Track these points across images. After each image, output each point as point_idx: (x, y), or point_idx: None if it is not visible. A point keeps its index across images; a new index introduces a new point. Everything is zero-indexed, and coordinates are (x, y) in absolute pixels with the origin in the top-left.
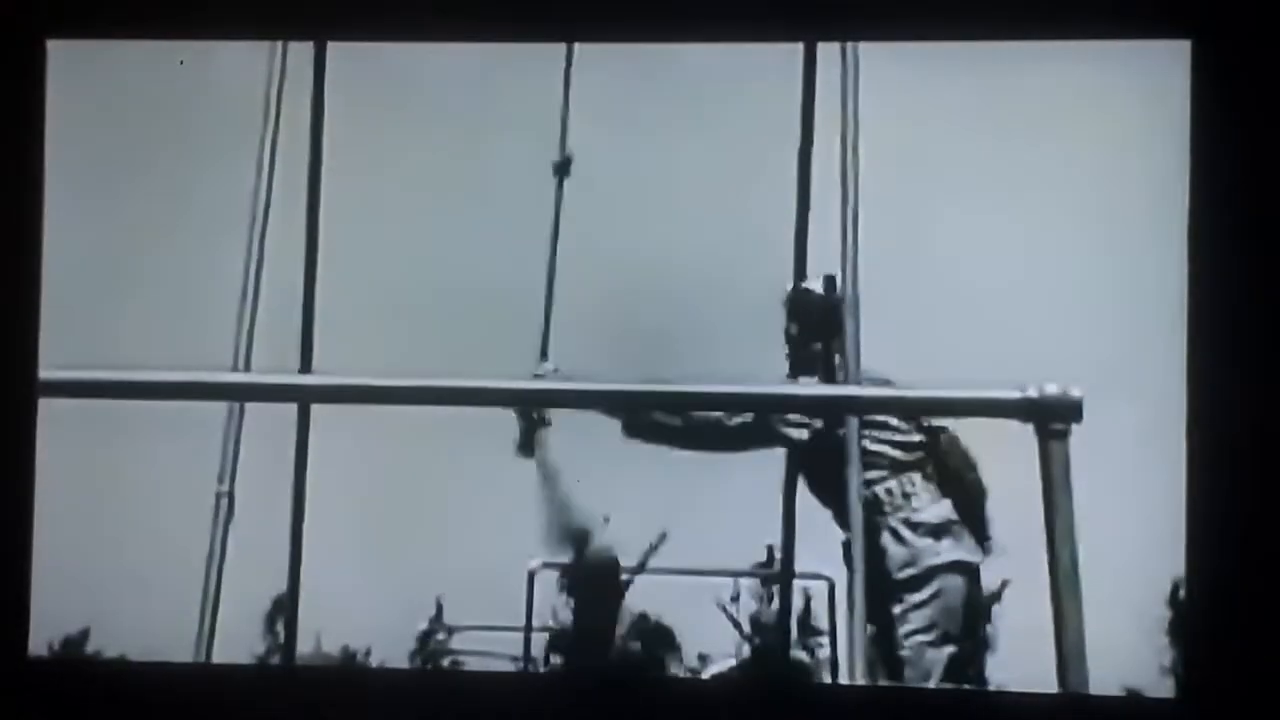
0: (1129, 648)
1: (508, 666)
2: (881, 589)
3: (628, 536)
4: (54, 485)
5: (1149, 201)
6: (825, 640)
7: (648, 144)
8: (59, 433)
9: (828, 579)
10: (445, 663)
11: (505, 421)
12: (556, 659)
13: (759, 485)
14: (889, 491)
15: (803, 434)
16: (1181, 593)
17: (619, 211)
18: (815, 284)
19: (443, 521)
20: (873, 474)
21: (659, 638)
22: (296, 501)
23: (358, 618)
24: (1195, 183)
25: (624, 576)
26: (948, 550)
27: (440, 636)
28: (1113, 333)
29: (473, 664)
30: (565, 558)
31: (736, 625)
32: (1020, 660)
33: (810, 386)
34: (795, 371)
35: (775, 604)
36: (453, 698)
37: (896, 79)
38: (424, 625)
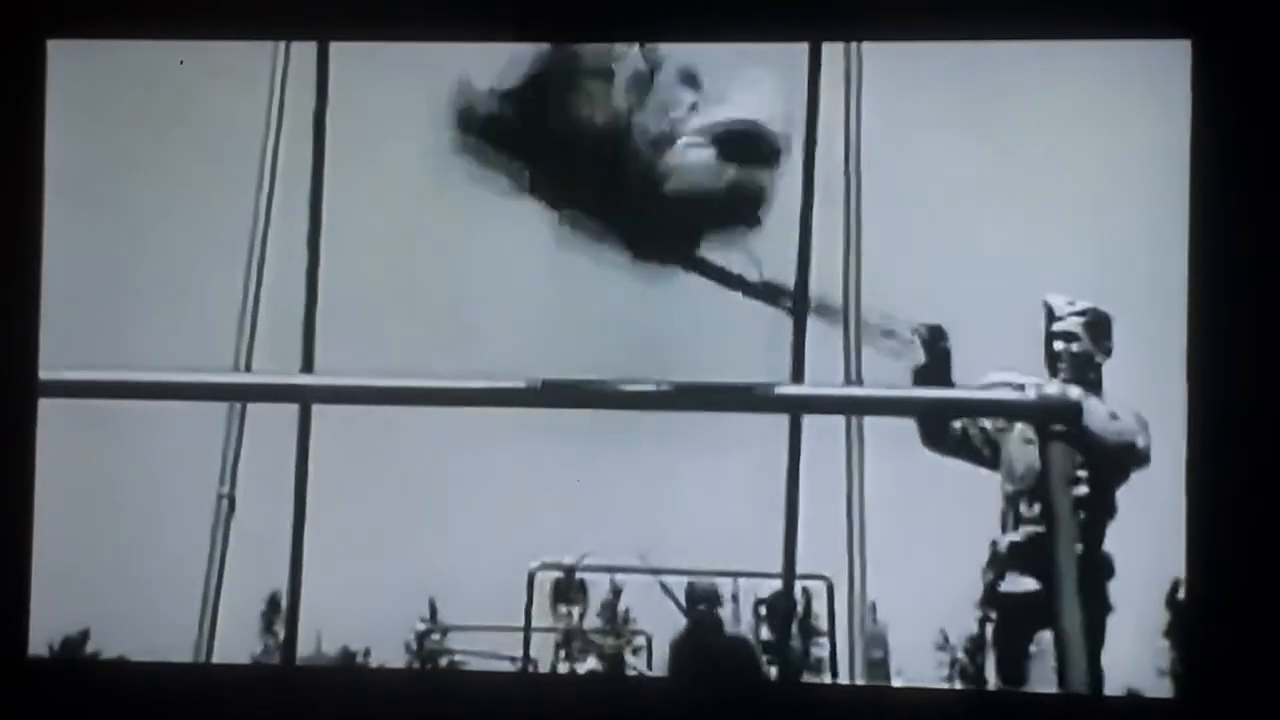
0: (1129, 648)
1: (506, 667)
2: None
3: (625, 539)
4: (54, 485)
5: (1149, 200)
6: (811, 639)
7: None
8: (59, 433)
9: (827, 579)
10: (443, 663)
11: (507, 421)
12: None
13: (758, 485)
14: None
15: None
16: (1181, 593)
17: None
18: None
19: (443, 522)
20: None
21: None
22: (297, 501)
23: (357, 618)
24: (1195, 182)
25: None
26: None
27: (436, 636)
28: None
29: (471, 664)
30: None
31: (674, 599)
32: None
33: (816, 387)
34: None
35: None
36: (453, 698)
37: (897, 79)
38: (421, 625)
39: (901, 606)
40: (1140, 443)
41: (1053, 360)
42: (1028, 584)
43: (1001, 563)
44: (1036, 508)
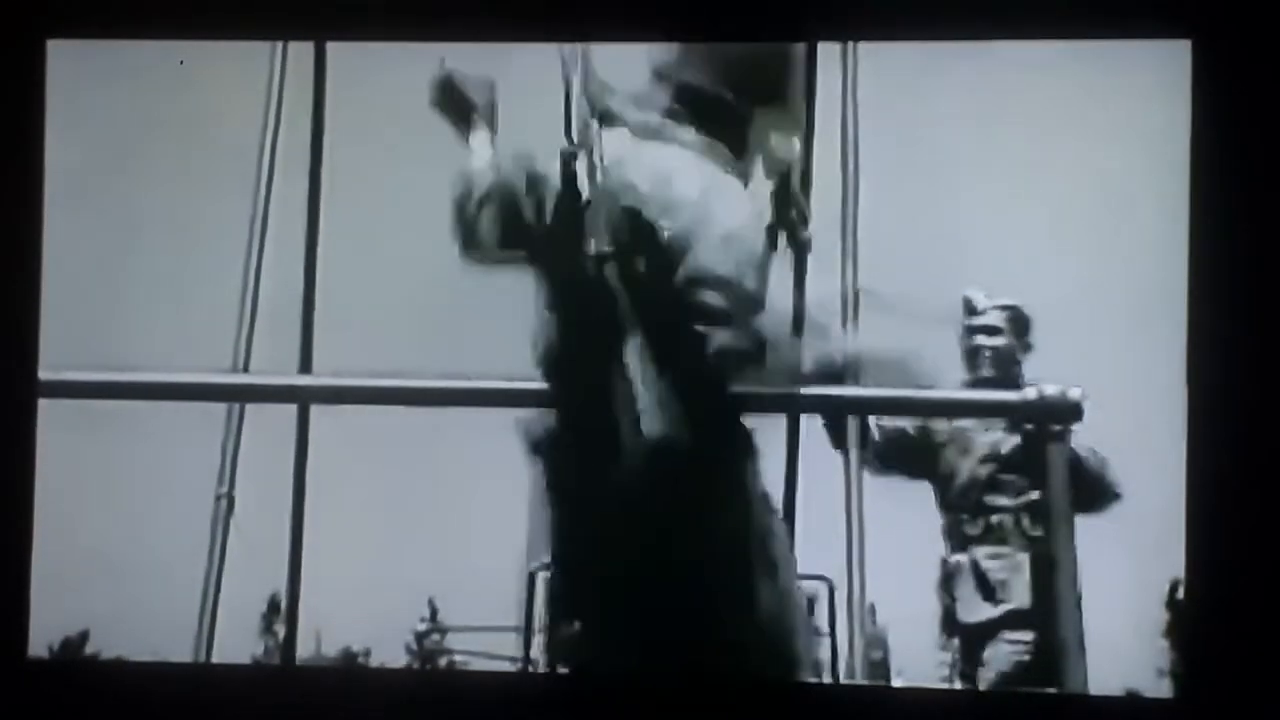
0: (1129, 647)
1: (506, 667)
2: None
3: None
4: (54, 485)
5: (1149, 202)
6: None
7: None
8: (59, 433)
9: (827, 580)
10: (443, 663)
11: (507, 421)
12: None
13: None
14: (1001, 525)
15: None
16: (1181, 593)
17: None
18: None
19: (443, 522)
20: (1003, 500)
21: None
22: (296, 502)
23: (357, 618)
24: (1195, 182)
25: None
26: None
27: (436, 637)
28: (1113, 332)
29: (471, 664)
30: None
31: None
32: None
33: (813, 388)
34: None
35: None
36: (453, 697)
37: (895, 79)
38: (421, 626)
39: (901, 607)
40: (1109, 477)
41: (972, 356)
42: (989, 609)
43: (956, 586)
44: (980, 524)
